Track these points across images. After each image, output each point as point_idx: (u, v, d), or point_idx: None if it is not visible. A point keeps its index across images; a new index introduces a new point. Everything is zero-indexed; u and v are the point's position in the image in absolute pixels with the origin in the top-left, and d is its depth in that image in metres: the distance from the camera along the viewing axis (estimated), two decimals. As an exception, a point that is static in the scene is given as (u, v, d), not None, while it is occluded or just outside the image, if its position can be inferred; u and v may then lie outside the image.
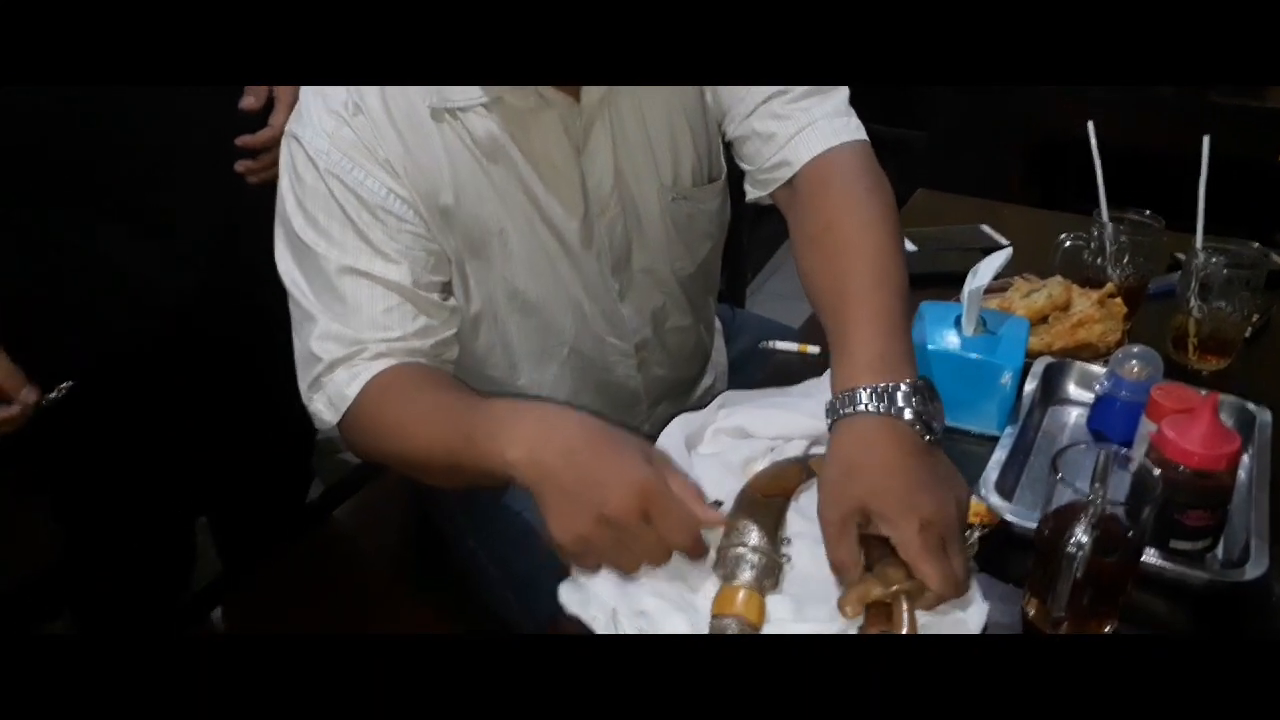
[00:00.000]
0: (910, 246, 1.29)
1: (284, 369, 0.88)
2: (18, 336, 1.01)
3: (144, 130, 0.94)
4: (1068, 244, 1.10)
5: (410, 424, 0.81)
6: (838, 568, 0.68)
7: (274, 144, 0.95)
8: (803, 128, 0.91)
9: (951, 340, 0.91)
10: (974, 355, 0.90)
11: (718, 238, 1.07)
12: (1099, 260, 1.08)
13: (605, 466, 0.68)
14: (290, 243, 0.87)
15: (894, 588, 0.66)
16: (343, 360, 0.85)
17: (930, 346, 0.91)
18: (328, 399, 0.85)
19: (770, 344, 1.10)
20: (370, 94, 0.85)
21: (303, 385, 0.87)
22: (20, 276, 0.98)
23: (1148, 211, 1.10)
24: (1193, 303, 1.01)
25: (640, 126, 0.93)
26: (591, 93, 0.87)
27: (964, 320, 0.91)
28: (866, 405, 0.71)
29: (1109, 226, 1.07)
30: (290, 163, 0.87)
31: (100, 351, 1.00)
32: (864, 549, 0.68)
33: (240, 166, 0.99)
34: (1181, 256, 1.12)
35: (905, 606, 0.66)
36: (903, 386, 0.71)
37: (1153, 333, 1.06)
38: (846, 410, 0.72)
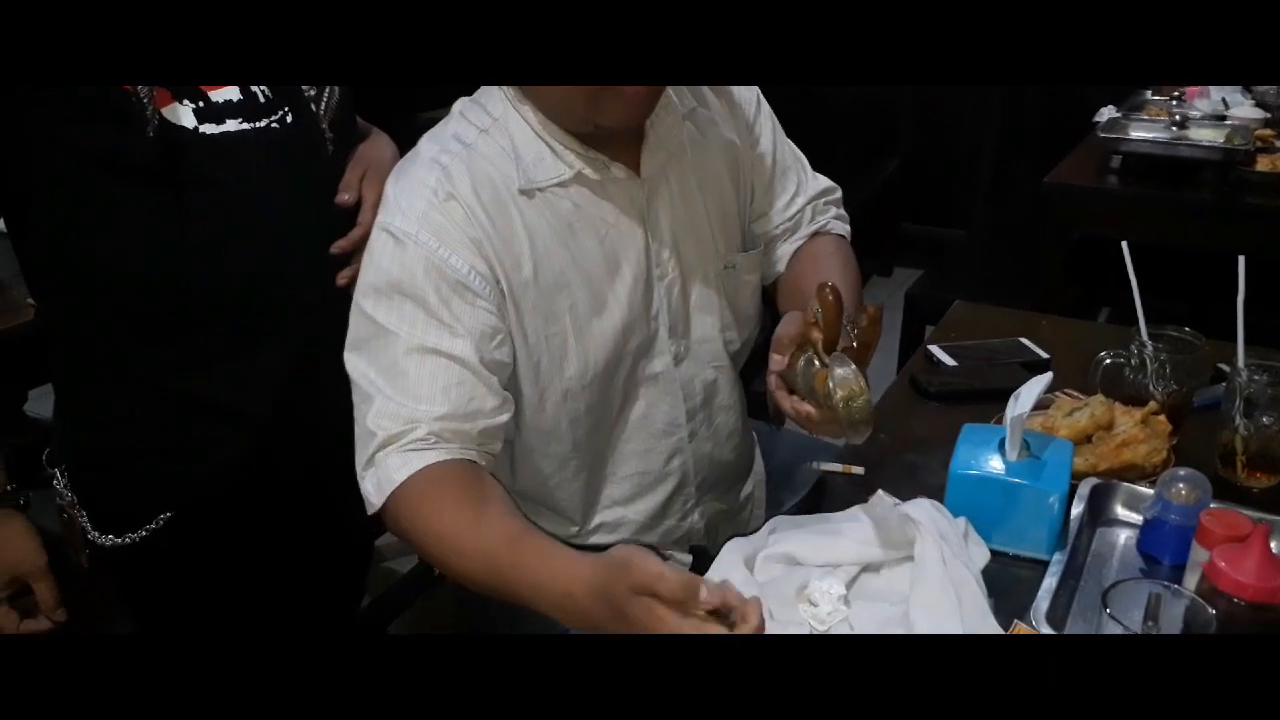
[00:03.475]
0: (950, 361, 1.31)
1: (348, 486, 0.92)
2: (102, 474, 1.07)
3: (237, 277, 1.00)
4: (1108, 362, 1.11)
5: (449, 538, 0.87)
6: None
7: (362, 240, 1.01)
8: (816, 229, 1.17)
9: (996, 466, 0.92)
10: (1020, 481, 0.91)
11: (756, 324, 1.16)
12: (1140, 378, 1.09)
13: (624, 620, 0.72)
14: (361, 326, 0.94)
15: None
16: (395, 438, 0.90)
17: (974, 472, 0.92)
18: (377, 480, 0.90)
19: (816, 465, 1.12)
20: (461, 181, 0.93)
21: (358, 464, 0.93)
22: (111, 415, 1.03)
23: (1187, 329, 1.11)
24: (1238, 421, 1.01)
25: (692, 197, 1.06)
26: (650, 166, 1.01)
27: (1008, 445, 0.92)
28: None
29: (1149, 346, 1.08)
30: (373, 251, 0.94)
31: (185, 480, 1.05)
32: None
33: (342, 280, 1.03)
34: (1225, 368, 1.12)
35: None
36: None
37: (1199, 448, 1.06)
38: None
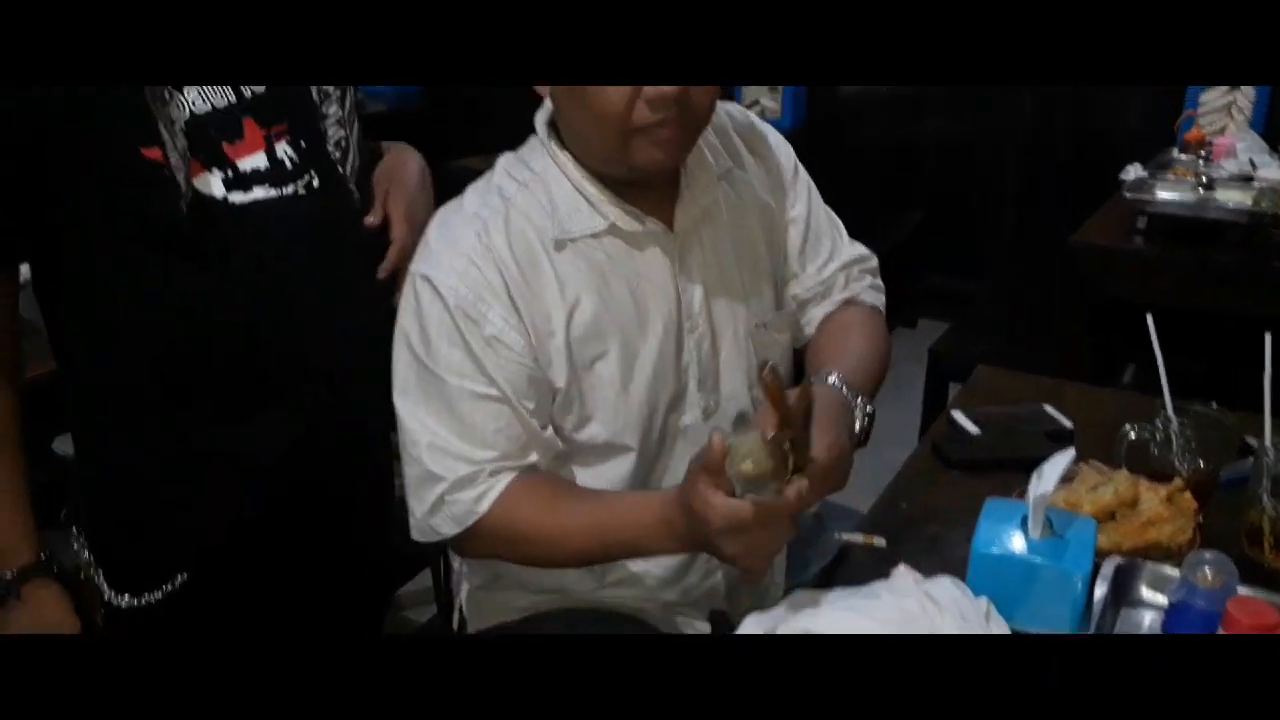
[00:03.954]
0: (973, 429, 1.30)
1: (367, 538, 0.93)
2: (119, 528, 1.08)
3: (263, 340, 1.02)
4: (1132, 436, 1.10)
5: (554, 532, 0.99)
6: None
7: (402, 258, 1.07)
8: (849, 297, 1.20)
9: (1018, 544, 0.92)
10: (1042, 561, 0.90)
11: (786, 384, 1.14)
12: (1166, 454, 1.08)
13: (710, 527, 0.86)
14: (410, 373, 1.00)
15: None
16: (466, 480, 0.97)
17: (997, 551, 0.92)
18: (451, 516, 0.98)
19: (839, 535, 1.12)
20: (498, 237, 0.98)
21: (420, 506, 0.99)
22: (129, 469, 1.05)
23: (1214, 404, 1.10)
24: (1265, 501, 1.00)
25: (725, 255, 1.09)
26: (683, 222, 1.04)
27: (1030, 523, 0.92)
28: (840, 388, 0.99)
29: (1174, 421, 1.08)
30: (416, 300, 0.99)
31: (203, 536, 1.06)
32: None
33: (383, 272, 1.11)
34: (1254, 442, 1.11)
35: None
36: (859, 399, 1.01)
37: (1226, 526, 1.05)
38: (830, 380, 1.00)
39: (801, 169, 1.19)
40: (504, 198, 1.00)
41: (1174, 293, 2.04)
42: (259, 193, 1.00)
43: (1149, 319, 1.12)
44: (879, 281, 1.25)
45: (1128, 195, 2.20)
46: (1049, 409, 1.34)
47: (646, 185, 1.01)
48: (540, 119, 1.04)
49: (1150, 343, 1.12)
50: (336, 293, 1.05)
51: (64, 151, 0.91)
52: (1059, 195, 3.36)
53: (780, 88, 3.50)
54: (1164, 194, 2.20)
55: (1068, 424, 1.30)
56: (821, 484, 0.87)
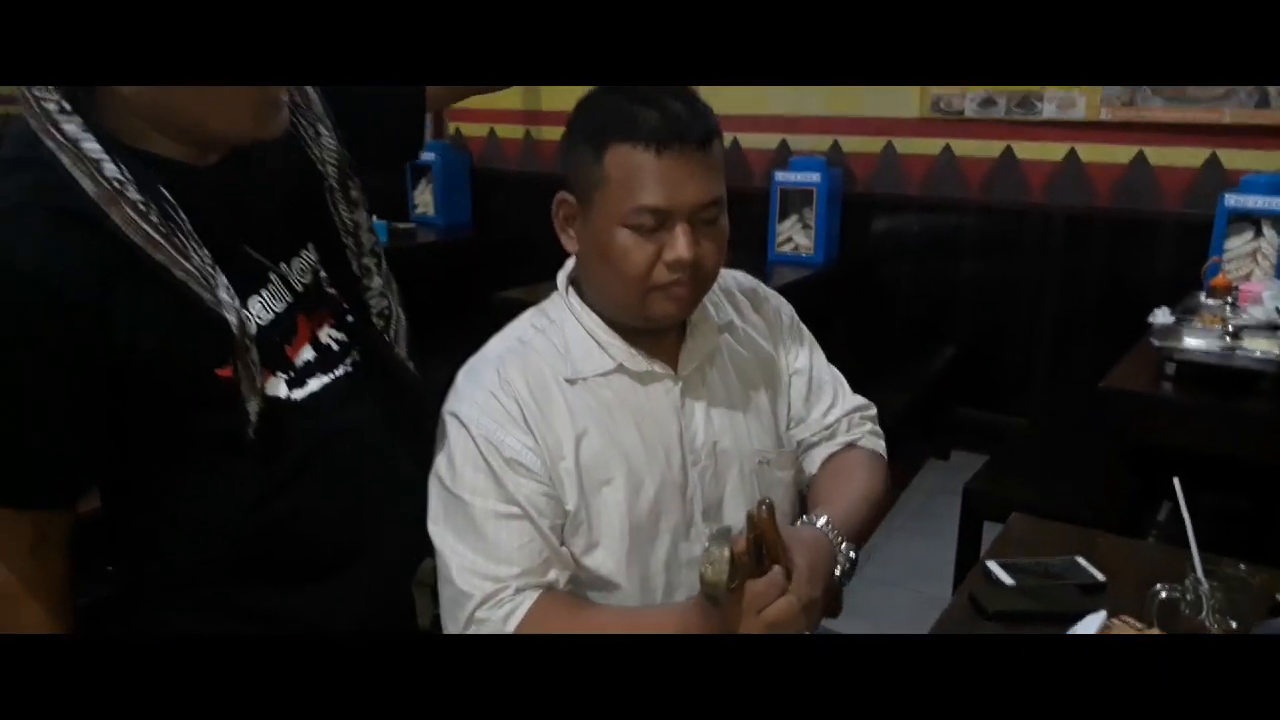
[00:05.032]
0: (1008, 579, 1.34)
1: None
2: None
3: (327, 519, 1.08)
4: (1163, 596, 1.14)
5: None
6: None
7: None
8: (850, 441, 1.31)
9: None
10: None
11: (789, 519, 1.24)
12: (1196, 614, 1.12)
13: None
14: (441, 501, 1.10)
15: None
16: (490, 597, 1.06)
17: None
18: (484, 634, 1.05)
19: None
20: (516, 375, 1.11)
21: (454, 625, 1.07)
22: (175, 625, 1.07)
23: (1242, 565, 1.14)
24: (1295, 665, 1.03)
25: (728, 397, 1.21)
26: (687, 365, 1.18)
27: (1065, 684, 0.95)
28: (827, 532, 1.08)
29: (1204, 584, 1.11)
30: (444, 435, 1.12)
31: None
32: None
33: None
34: (1283, 602, 1.14)
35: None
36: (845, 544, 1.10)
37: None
38: (819, 522, 1.09)
39: (802, 325, 1.33)
40: (523, 342, 1.15)
41: (1205, 439, 2.08)
42: (313, 384, 1.06)
43: (1176, 483, 1.17)
44: (879, 429, 1.36)
45: (1155, 342, 2.25)
46: (1082, 561, 1.37)
47: (655, 332, 1.14)
48: (562, 275, 1.20)
49: (1184, 476, 1.16)
50: (395, 455, 1.11)
51: (143, 384, 0.94)
52: (1091, 335, 3.44)
53: (812, 225, 3.64)
54: (1191, 341, 2.25)
55: (1100, 577, 1.33)
56: (799, 589, 0.97)
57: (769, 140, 3.94)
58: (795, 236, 3.74)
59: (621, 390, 1.15)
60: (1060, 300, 3.52)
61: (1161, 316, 2.41)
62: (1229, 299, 2.52)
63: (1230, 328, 2.24)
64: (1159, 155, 3.30)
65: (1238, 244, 2.92)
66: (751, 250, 3.69)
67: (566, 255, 1.20)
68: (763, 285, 1.36)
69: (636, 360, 1.14)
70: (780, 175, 3.71)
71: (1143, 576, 1.19)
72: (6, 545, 0.97)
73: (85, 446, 0.97)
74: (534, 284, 3.25)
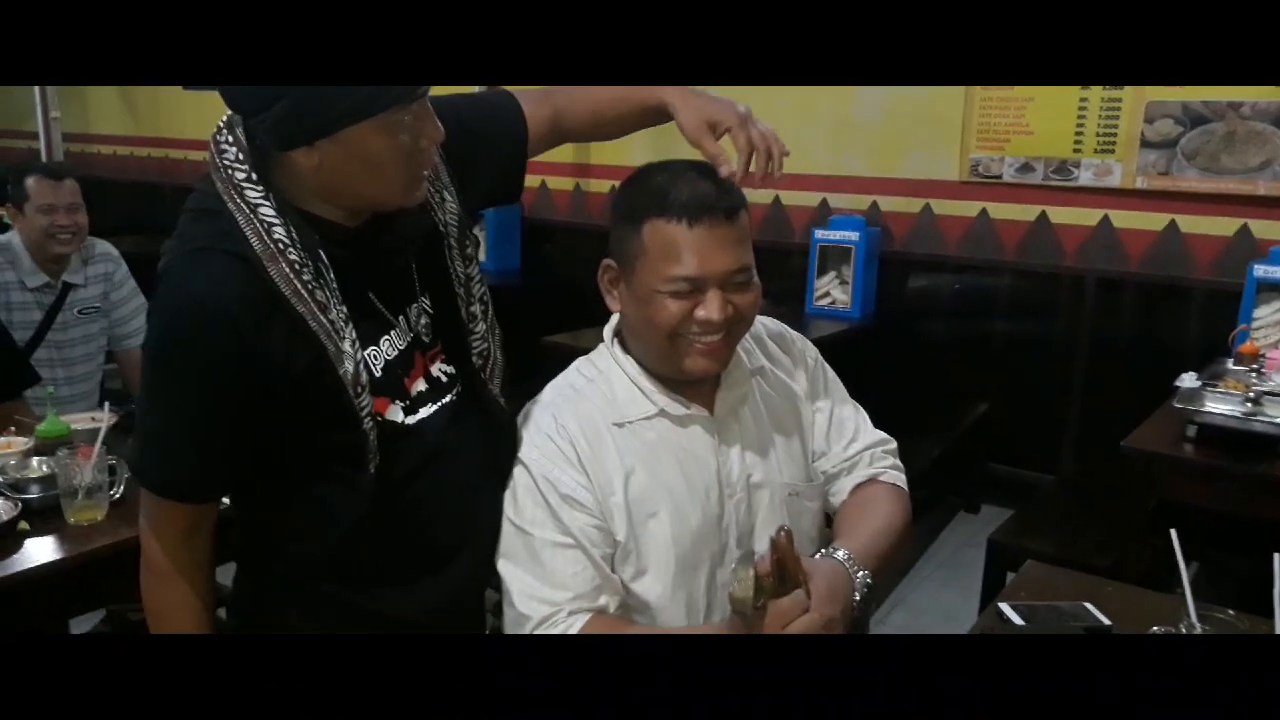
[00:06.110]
0: (1018, 620, 1.44)
1: None
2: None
3: (430, 526, 1.22)
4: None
5: None
6: None
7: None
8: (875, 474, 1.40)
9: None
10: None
11: (817, 546, 1.34)
12: (1189, 655, 1.21)
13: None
14: (506, 534, 1.23)
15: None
16: (547, 619, 1.18)
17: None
18: None
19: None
20: (569, 420, 1.25)
21: None
22: (290, 618, 1.23)
23: (1231, 611, 1.23)
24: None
25: (759, 435, 1.32)
26: (722, 408, 1.30)
27: None
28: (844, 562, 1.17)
29: (1198, 628, 1.21)
30: (512, 474, 1.25)
31: None
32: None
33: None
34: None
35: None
36: (862, 573, 1.17)
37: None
38: (839, 554, 1.18)
39: (825, 365, 1.45)
40: (575, 389, 1.30)
41: (1224, 500, 2.15)
42: (424, 412, 1.21)
43: (1173, 534, 1.26)
44: (899, 463, 1.45)
45: (1177, 405, 2.33)
46: (1090, 607, 1.46)
47: (693, 381, 1.27)
48: (608, 329, 1.34)
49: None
50: (482, 475, 1.26)
51: (287, 402, 1.10)
52: (1120, 397, 3.48)
53: (850, 281, 3.76)
54: (1213, 405, 2.32)
55: (1106, 621, 1.42)
56: (820, 608, 1.06)
57: (810, 198, 4.07)
58: (833, 291, 3.86)
59: (664, 432, 1.27)
60: (1090, 362, 3.60)
61: (1188, 381, 2.48)
62: (1255, 366, 2.58)
63: (1252, 393, 2.31)
64: (1191, 224, 3.39)
65: (1266, 313, 2.98)
66: (790, 303, 3.80)
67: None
68: (789, 329, 1.47)
69: (675, 405, 1.27)
70: (820, 233, 3.85)
71: (1149, 624, 1.28)
72: (164, 531, 1.17)
73: (236, 451, 1.15)
74: (578, 329, 3.40)
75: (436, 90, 1.12)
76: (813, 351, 1.46)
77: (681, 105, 1.26)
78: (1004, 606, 1.48)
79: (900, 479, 1.43)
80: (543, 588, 1.20)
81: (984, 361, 3.81)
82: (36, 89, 5.71)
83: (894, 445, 1.46)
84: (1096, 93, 3.47)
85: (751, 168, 1.25)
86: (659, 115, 1.28)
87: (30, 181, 2.71)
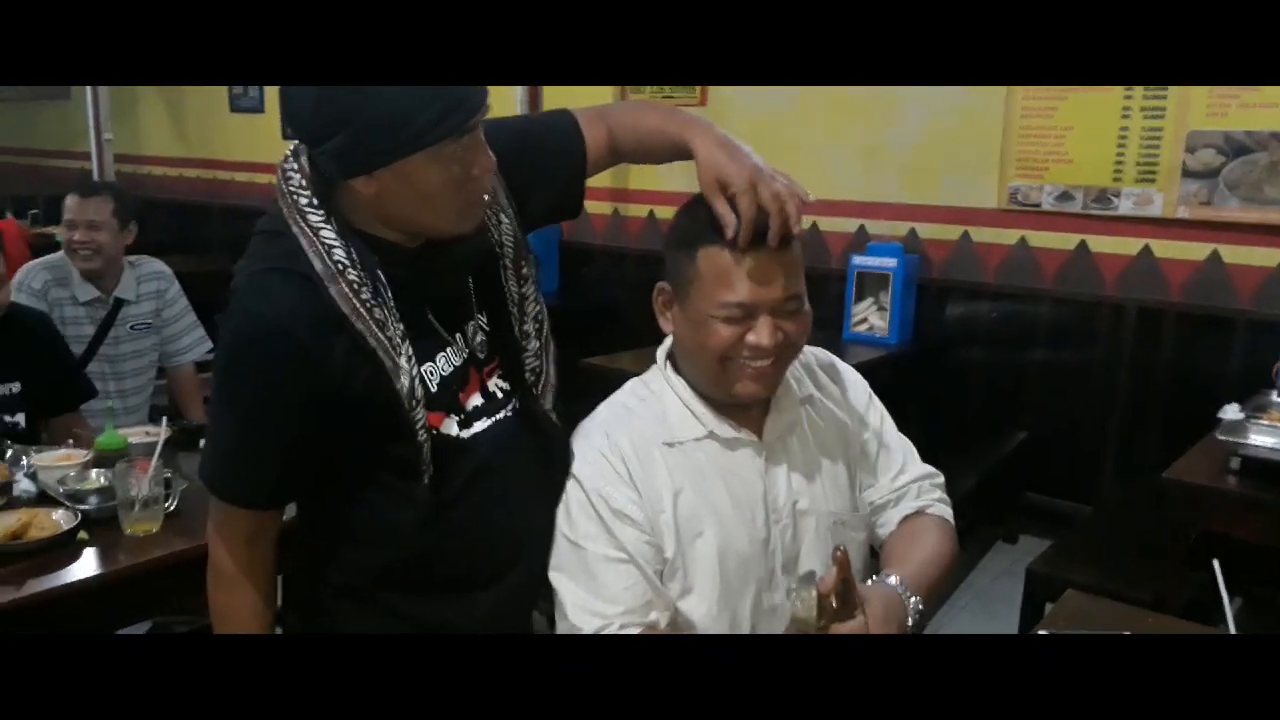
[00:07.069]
0: (1059, 649, 1.44)
1: None
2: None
3: (482, 537, 1.26)
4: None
5: None
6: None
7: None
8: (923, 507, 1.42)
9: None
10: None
11: (862, 576, 1.35)
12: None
13: None
14: (560, 551, 1.27)
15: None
16: (598, 632, 1.20)
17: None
18: None
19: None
20: (622, 439, 1.28)
21: None
22: (337, 621, 1.28)
23: (1276, 645, 1.23)
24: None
25: (807, 462, 1.34)
26: (770, 433, 1.32)
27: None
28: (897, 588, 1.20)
29: (1238, 658, 1.20)
30: (566, 491, 1.28)
31: None
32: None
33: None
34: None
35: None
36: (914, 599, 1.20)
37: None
38: (891, 580, 1.21)
39: (874, 397, 1.47)
40: (627, 409, 1.33)
41: (1268, 534, 2.13)
42: (479, 426, 1.26)
43: (1215, 564, 1.26)
44: (946, 496, 1.47)
45: (1220, 437, 2.31)
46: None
47: (742, 405, 1.30)
48: (660, 352, 1.37)
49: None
50: (535, 490, 1.29)
51: (348, 415, 1.16)
52: (1160, 427, 3.46)
53: (888, 307, 3.77)
54: (1257, 438, 2.30)
55: (1147, 653, 1.42)
56: (877, 629, 1.10)
57: (848, 224, 4.09)
58: (870, 317, 3.87)
59: (712, 454, 1.30)
60: (1130, 391, 3.57)
61: (1231, 412, 2.45)
62: (1301, 398, 2.57)
63: (1296, 426, 2.30)
64: (1233, 253, 3.36)
65: (1310, 345, 2.95)
66: (827, 328, 3.81)
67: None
68: (840, 360, 1.50)
69: (725, 428, 1.30)
70: (858, 259, 3.86)
71: (1188, 654, 1.28)
72: (230, 536, 1.23)
73: (298, 461, 1.20)
74: (614, 352, 3.43)
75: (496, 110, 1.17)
76: (863, 383, 1.48)
77: (702, 156, 1.25)
78: (1042, 635, 1.48)
79: (947, 512, 1.45)
80: (595, 601, 1.23)
81: (1022, 390, 3.80)
82: (90, 111, 5.86)
83: (941, 479, 1.48)
84: (1137, 122, 3.46)
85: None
86: (688, 154, 1.30)
87: (67, 198, 2.86)
